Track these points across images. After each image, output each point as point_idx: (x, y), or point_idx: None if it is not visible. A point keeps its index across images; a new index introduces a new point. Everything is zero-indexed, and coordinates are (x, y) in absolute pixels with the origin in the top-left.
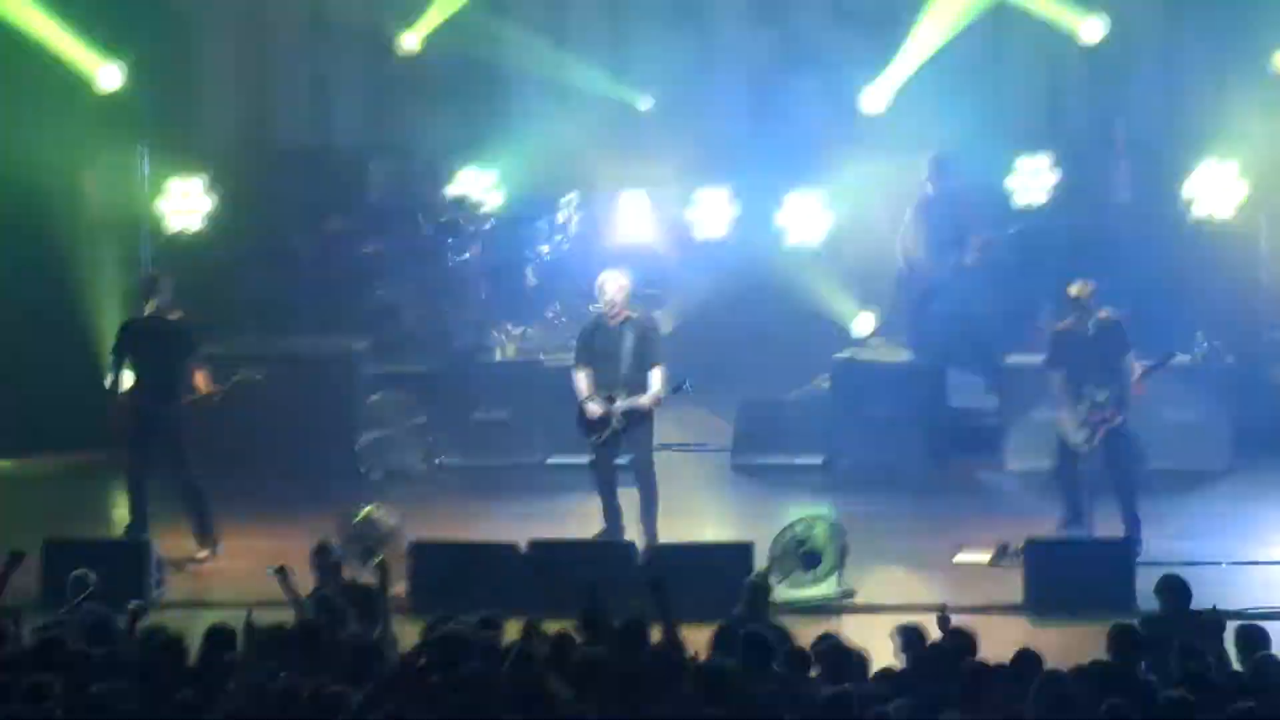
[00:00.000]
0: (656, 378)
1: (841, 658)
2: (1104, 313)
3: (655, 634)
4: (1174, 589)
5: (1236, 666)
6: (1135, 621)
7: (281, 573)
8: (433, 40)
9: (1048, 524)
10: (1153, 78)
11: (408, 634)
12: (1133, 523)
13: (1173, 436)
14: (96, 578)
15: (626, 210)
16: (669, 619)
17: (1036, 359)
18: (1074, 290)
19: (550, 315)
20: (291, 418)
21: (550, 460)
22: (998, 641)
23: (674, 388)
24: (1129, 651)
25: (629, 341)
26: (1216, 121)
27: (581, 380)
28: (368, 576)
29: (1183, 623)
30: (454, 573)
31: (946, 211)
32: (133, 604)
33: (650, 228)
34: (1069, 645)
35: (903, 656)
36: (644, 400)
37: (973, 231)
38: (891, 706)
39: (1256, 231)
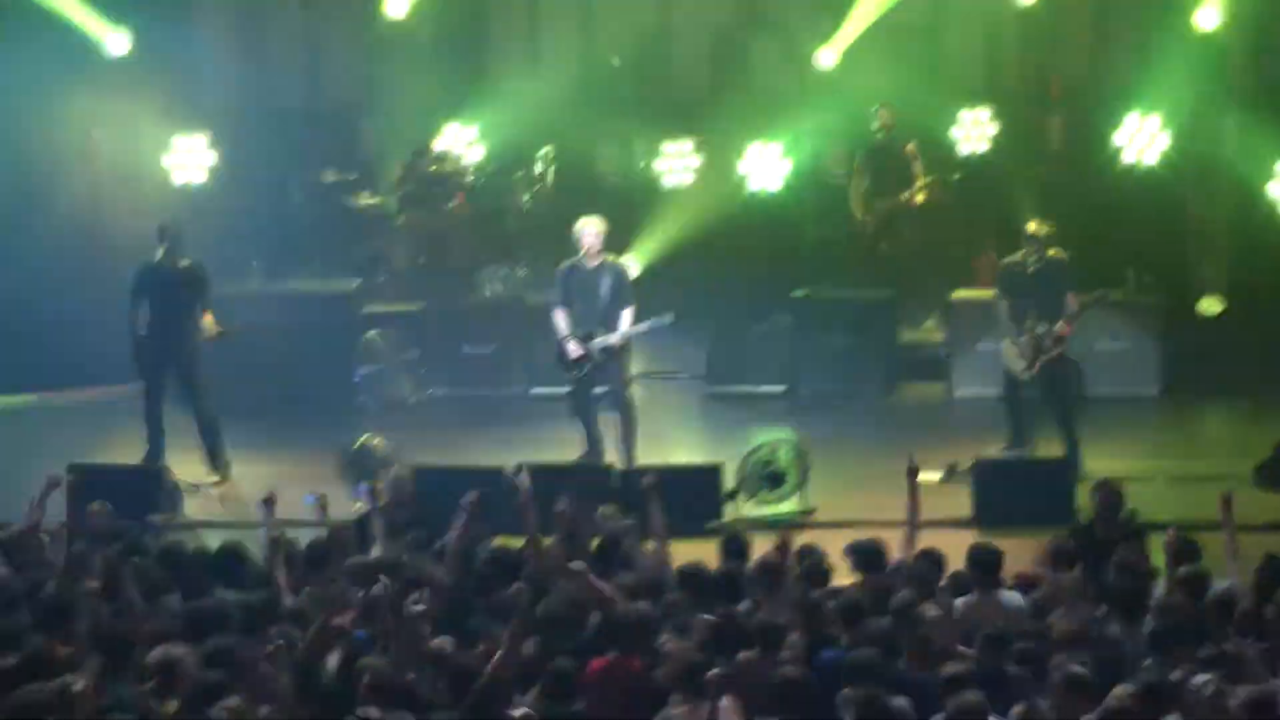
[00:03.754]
0: (627, 317)
1: (820, 572)
2: (1053, 251)
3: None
4: (1107, 492)
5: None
6: (1067, 531)
7: (318, 502)
8: (418, 7)
9: (993, 445)
10: (1083, 36)
11: None
12: (1071, 443)
13: (1107, 365)
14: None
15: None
16: (660, 525)
17: (979, 294)
18: (1031, 227)
19: (531, 258)
20: (293, 354)
21: (533, 391)
22: (949, 551)
23: (655, 325)
24: (1067, 564)
25: (606, 283)
26: (1142, 77)
27: (560, 319)
28: (361, 501)
29: (1113, 527)
30: (445, 495)
31: (891, 158)
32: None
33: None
34: (1013, 555)
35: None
36: (615, 338)
37: (915, 175)
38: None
39: (1180, 177)
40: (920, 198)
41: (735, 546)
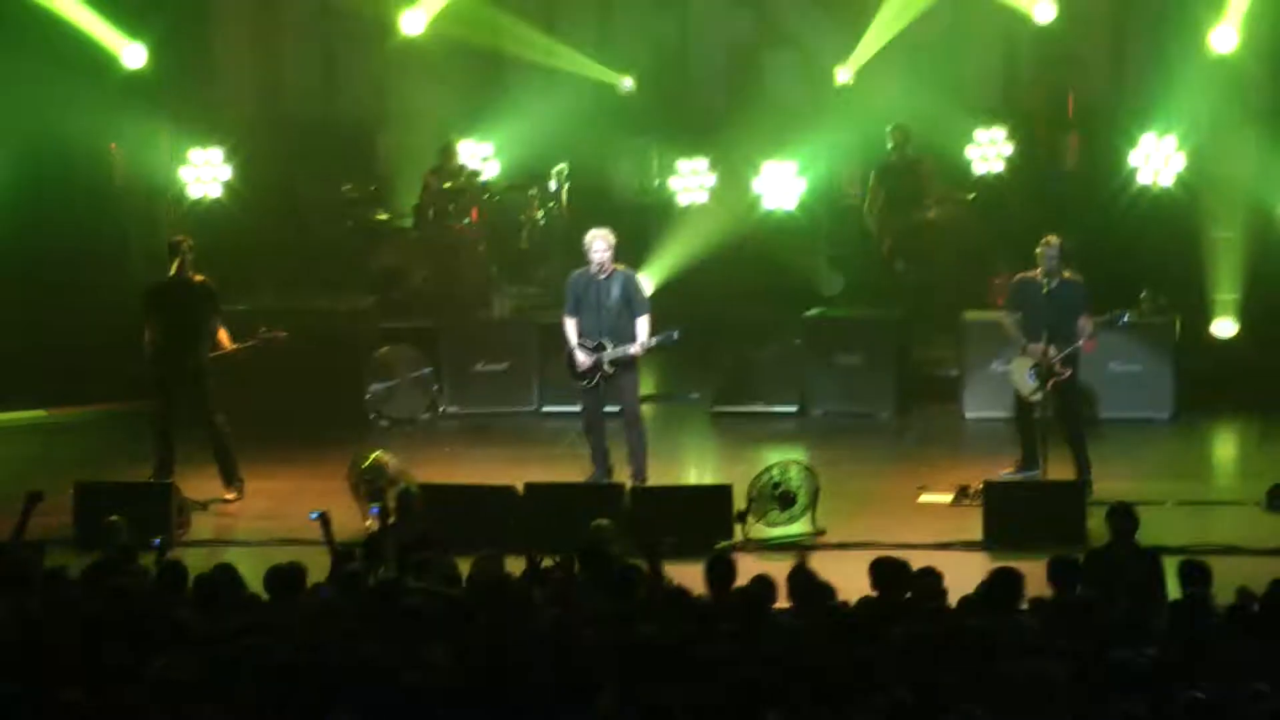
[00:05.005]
0: (644, 327)
1: (812, 589)
2: (1068, 273)
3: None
4: (1123, 516)
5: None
6: (1079, 553)
7: (322, 519)
8: (434, 24)
9: (1005, 467)
10: (1100, 56)
11: None
12: (1083, 466)
13: (1120, 387)
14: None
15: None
16: (655, 559)
17: (993, 315)
18: (1049, 239)
19: (544, 275)
20: (306, 370)
21: (545, 409)
22: (959, 575)
23: (663, 340)
24: (1067, 581)
25: (615, 294)
26: (1159, 97)
27: (570, 328)
28: (372, 519)
29: (1128, 551)
30: (455, 513)
31: (906, 177)
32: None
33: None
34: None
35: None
36: (633, 349)
37: (929, 194)
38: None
39: (1195, 198)
40: (932, 214)
41: (720, 572)
